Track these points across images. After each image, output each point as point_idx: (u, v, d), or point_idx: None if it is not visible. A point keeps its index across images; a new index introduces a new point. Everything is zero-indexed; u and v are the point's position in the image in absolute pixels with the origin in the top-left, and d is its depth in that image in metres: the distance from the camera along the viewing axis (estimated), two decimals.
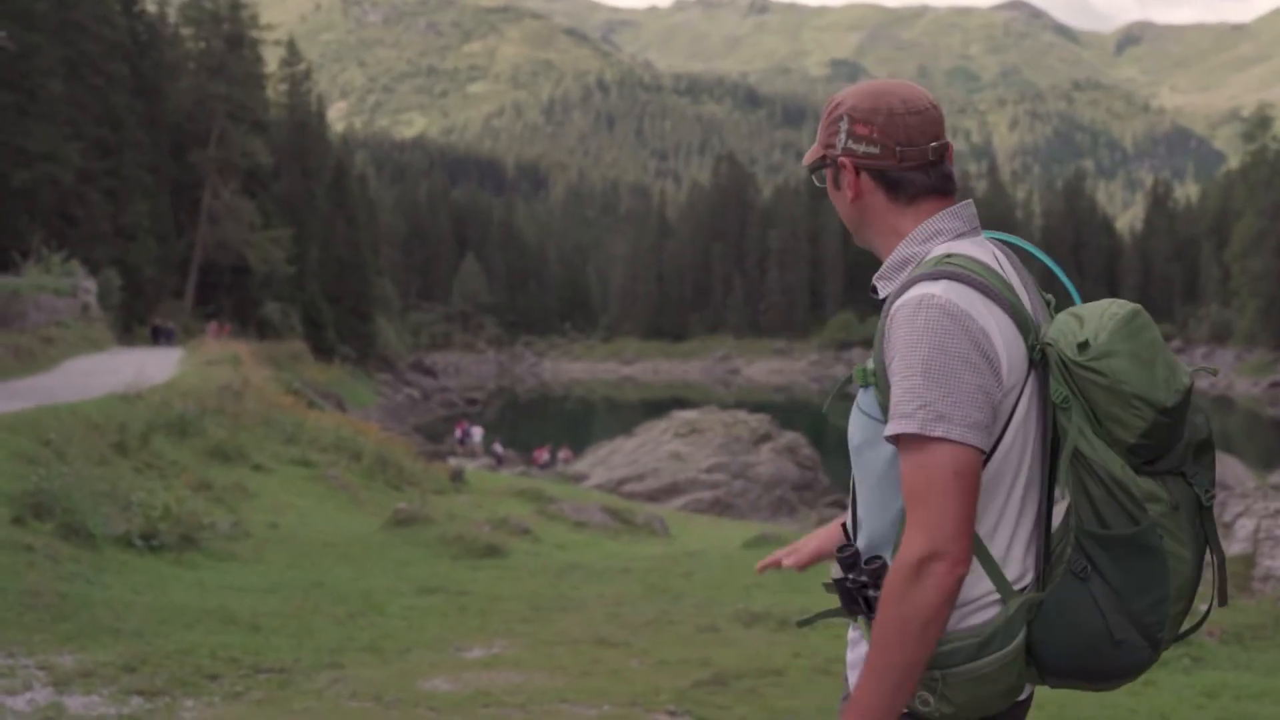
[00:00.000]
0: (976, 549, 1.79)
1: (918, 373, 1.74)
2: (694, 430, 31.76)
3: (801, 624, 2.08)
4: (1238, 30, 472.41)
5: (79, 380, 19.71)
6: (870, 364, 1.84)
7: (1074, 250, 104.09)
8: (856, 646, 1.92)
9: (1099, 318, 1.77)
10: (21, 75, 42.93)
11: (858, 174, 1.92)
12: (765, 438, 31.15)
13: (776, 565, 2.29)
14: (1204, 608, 1.94)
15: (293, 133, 66.35)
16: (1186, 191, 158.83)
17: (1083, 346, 1.74)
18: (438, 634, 7.65)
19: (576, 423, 60.96)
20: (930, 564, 1.70)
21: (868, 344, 52.71)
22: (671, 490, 28.19)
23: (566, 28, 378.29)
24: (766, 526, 19.62)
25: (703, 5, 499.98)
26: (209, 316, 51.34)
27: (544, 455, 37.84)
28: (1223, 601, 1.86)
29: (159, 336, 42.85)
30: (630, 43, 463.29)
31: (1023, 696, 1.85)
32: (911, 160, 1.89)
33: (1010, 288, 1.82)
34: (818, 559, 2.24)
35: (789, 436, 31.65)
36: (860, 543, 1.91)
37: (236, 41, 58.14)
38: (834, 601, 1.91)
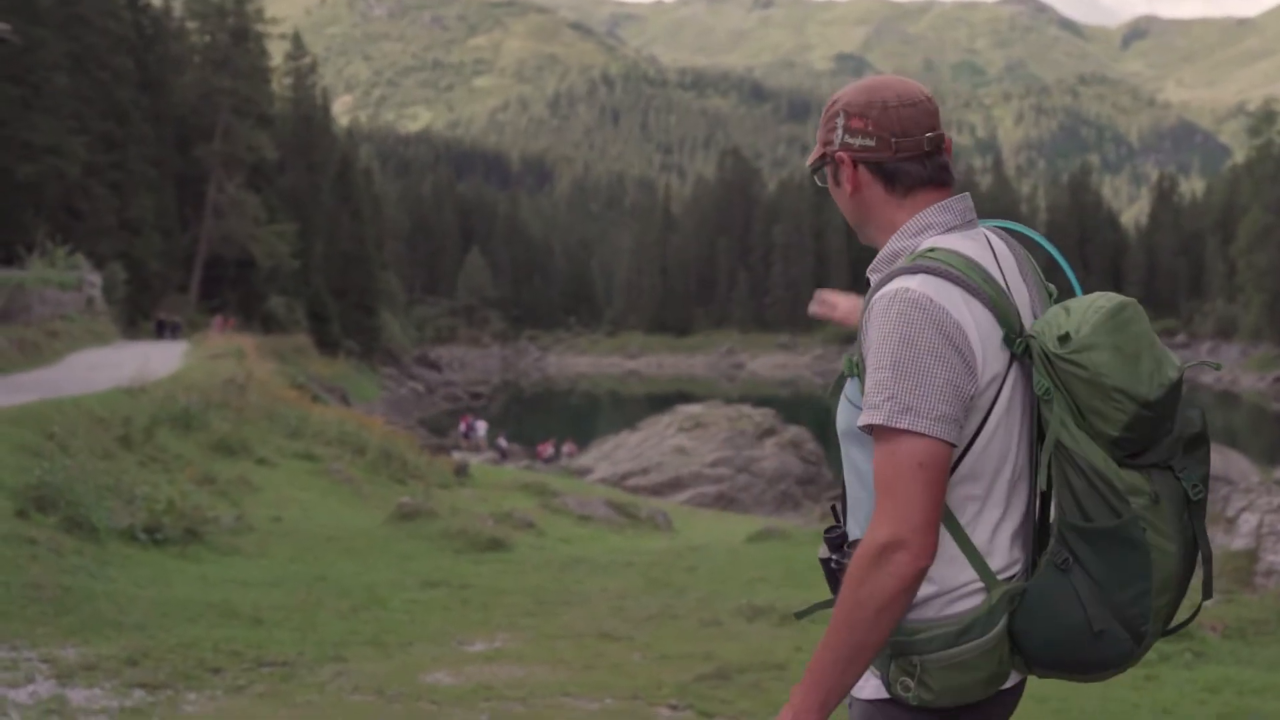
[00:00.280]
0: (958, 538, 1.81)
1: (887, 365, 1.77)
2: (698, 425, 31.72)
3: (799, 615, 2.09)
4: (1244, 25, 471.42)
5: (83, 374, 19.76)
6: (856, 354, 1.87)
7: (1079, 245, 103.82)
8: None
9: (1084, 310, 1.78)
10: (26, 69, 42.92)
11: (855, 167, 1.94)
12: (769, 432, 31.12)
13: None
14: (1200, 600, 1.94)
15: (298, 127, 66.39)
16: (1192, 186, 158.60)
17: (1064, 339, 1.75)
18: (440, 628, 7.66)
19: (581, 417, 60.98)
20: (892, 552, 1.72)
21: None
22: (675, 484, 28.19)
23: (572, 21, 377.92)
24: (770, 521, 19.56)
25: None
26: (214, 310, 51.33)
27: (548, 449, 37.84)
28: (1207, 595, 1.87)
29: (164, 330, 42.87)
30: (635, 36, 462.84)
31: (1009, 685, 1.86)
32: (907, 151, 1.91)
33: (991, 281, 1.83)
34: (844, 324, 2.35)
35: (793, 431, 31.61)
36: (849, 525, 1.94)
37: (241, 35, 58.17)
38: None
